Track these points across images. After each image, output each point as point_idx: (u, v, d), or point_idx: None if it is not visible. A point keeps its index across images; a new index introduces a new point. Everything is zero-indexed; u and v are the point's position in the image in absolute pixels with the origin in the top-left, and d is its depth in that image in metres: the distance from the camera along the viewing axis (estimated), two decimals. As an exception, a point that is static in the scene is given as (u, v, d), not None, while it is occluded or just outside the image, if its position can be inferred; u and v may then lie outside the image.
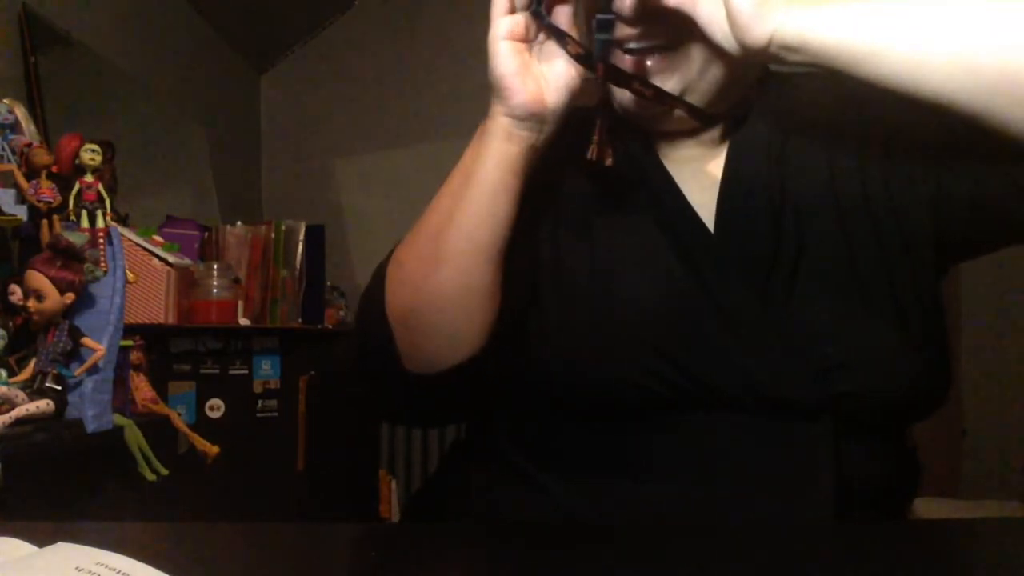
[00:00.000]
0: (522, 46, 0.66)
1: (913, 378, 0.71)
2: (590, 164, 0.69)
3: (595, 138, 0.68)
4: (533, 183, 0.69)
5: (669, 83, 0.71)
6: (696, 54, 0.69)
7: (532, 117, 0.67)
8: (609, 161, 0.68)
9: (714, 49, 0.65)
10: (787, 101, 0.78)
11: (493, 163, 0.67)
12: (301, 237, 2.30)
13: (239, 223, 2.25)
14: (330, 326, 2.46)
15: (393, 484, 2.82)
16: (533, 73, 0.66)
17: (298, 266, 2.30)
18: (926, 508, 2.16)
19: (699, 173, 0.76)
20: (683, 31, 0.66)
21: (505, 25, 0.65)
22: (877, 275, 0.71)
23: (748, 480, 0.69)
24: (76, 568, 0.36)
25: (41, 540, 0.41)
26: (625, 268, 0.73)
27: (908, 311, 0.71)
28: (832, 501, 0.68)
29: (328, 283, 2.59)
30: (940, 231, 0.72)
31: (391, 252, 0.74)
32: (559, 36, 0.66)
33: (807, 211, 0.72)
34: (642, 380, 0.69)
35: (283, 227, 2.27)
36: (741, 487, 0.69)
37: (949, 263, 0.76)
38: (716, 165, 0.75)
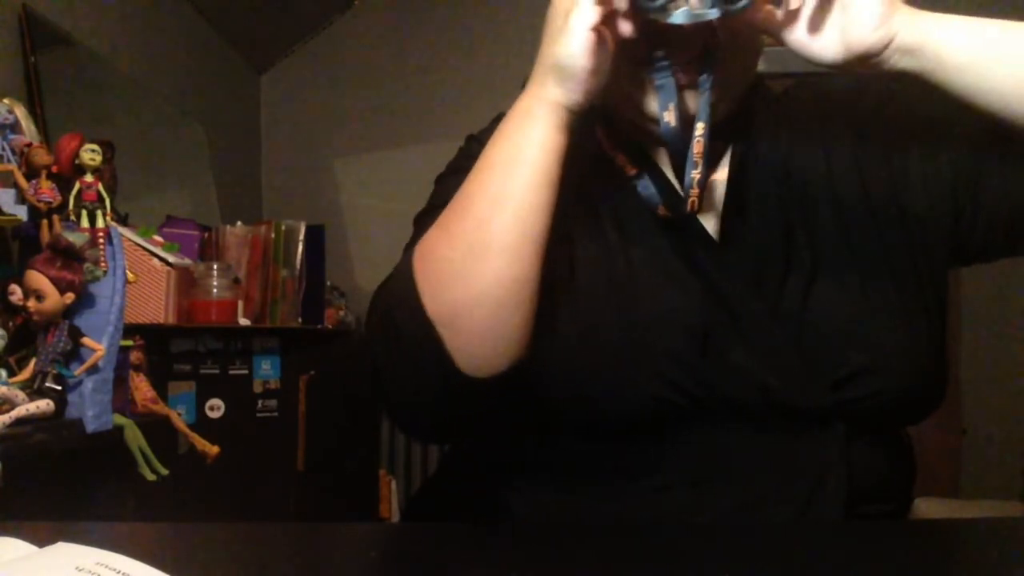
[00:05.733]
0: (598, 36, 0.61)
1: (924, 380, 0.71)
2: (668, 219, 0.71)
3: (694, 191, 0.66)
4: None
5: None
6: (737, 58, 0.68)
7: (586, 108, 0.65)
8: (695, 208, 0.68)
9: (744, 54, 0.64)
10: (784, 109, 0.78)
11: (547, 150, 0.64)
12: (301, 237, 2.30)
13: (239, 223, 2.25)
14: (330, 326, 2.46)
15: (393, 484, 2.82)
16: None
17: (298, 266, 2.30)
18: (926, 508, 2.16)
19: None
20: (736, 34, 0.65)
21: (596, 14, 0.60)
22: (891, 280, 0.71)
23: (761, 486, 0.69)
24: (76, 568, 0.36)
25: (41, 540, 0.41)
26: (640, 281, 0.71)
27: (919, 313, 0.72)
28: (843, 502, 0.68)
29: (328, 283, 2.58)
30: (959, 237, 0.72)
31: (409, 251, 0.69)
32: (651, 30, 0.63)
33: (819, 221, 0.72)
34: (659, 391, 0.68)
35: (283, 227, 2.27)
36: (754, 493, 0.69)
37: (960, 265, 0.76)
38: (719, 175, 0.75)
